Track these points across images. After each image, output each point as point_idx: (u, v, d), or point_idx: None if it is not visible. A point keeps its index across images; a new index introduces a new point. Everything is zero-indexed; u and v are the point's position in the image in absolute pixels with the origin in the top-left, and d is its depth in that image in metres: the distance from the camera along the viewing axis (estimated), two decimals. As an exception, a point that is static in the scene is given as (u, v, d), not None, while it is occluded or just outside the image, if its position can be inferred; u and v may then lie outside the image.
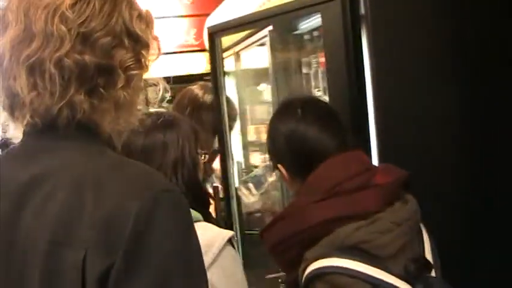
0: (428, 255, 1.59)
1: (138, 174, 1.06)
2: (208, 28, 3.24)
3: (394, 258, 1.48)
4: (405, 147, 2.10)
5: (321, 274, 1.45)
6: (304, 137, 1.64)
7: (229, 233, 1.69)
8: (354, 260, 1.44)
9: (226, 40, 3.54)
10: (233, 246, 1.69)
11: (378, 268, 1.45)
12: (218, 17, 4.53)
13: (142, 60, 1.14)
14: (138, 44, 1.13)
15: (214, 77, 3.02)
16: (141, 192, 1.00)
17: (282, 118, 1.74)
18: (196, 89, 2.74)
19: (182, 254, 1.01)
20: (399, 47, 2.12)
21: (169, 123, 1.80)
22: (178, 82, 5.31)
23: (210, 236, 1.62)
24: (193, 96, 2.68)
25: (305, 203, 1.57)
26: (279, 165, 1.72)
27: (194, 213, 1.51)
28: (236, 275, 1.67)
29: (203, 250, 1.26)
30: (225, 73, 3.19)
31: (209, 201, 1.94)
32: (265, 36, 3.01)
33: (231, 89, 4.02)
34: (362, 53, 2.12)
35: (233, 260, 1.66)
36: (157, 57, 1.20)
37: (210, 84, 2.99)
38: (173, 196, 1.04)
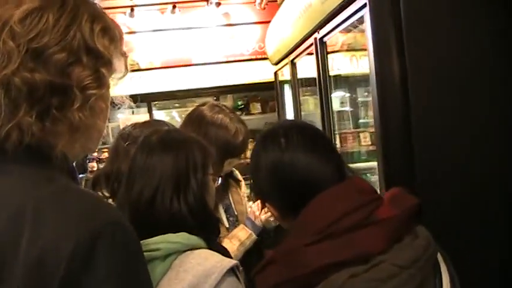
0: None
1: (81, 206, 0.99)
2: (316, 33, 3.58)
3: None
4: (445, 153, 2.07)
5: None
6: (291, 167, 1.41)
7: (230, 262, 1.60)
8: None
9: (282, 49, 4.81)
10: (237, 277, 1.61)
11: None
12: (275, 26, 5.35)
13: (104, 78, 1.09)
14: (98, 61, 1.08)
15: (324, 80, 3.50)
16: (80, 228, 0.93)
17: (264, 149, 1.49)
18: (204, 109, 2.59)
19: None
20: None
21: (175, 142, 1.76)
22: (249, 90, 7.89)
23: (208, 265, 1.56)
24: (201, 116, 2.55)
25: (296, 245, 1.32)
26: (267, 204, 1.52)
27: (195, 240, 1.60)
28: None
29: (200, 281, 1.47)
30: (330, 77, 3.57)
31: (217, 227, 1.84)
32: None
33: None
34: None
35: None
36: (125, 74, 1.19)
37: (220, 104, 2.89)
38: (118, 230, 0.97)
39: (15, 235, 0.94)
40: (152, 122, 2.69)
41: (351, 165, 3.94)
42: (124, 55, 1.19)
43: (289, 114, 5.49)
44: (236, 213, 2.67)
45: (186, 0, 7.44)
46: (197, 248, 1.63)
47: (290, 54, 4.79)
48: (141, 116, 7.19)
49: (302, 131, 1.52)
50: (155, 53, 7.83)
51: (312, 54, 3.81)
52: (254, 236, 2.48)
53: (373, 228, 1.32)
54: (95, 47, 1.07)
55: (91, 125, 1.09)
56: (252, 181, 1.58)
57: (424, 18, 2.18)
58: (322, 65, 3.57)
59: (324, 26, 3.43)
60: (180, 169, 1.69)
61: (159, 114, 7.65)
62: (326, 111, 3.55)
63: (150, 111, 7.34)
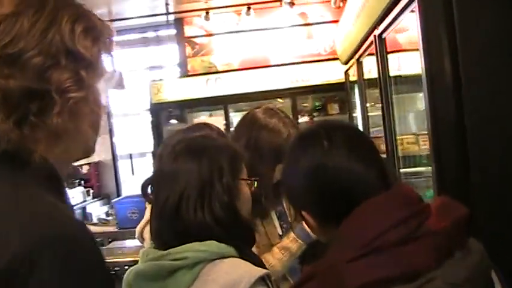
0: None
1: (34, 215, 0.95)
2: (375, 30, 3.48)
3: None
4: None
5: None
6: (334, 172, 1.30)
7: (260, 272, 1.56)
8: None
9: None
10: (268, 286, 1.57)
11: None
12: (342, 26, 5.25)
13: (84, 81, 1.06)
14: (78, 64, 1.05)
15: (384, 80, 3.40)
16: (23, 238, 0.90)
17: (303, 152, 1.38)
18: (257, 111, 2.54)
19: None
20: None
21: (200, 148, 1.72)
22: (327, 90, 7.87)
23: (236, 274, 1.53)
24: (253, 119, 2.50)
25: (337, 261, 1.21)
26: (303, 213, 1.39)
27: (224, 248, 1.57)
28: None
29: None
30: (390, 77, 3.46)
31: (251, 235, 1.78)
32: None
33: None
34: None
35: None
36: (112, 75, 1.17)
37: (275, 108, 2.80)
38: (68, 243, 0.92)
39: None
40: (197, 127, 2.68)
41: (411, 169, 3.89)
42: (111, 55, 1.18)
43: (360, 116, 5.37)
44: (290, 220, 2.59)
45: (260, 1, 7.45)
46: (227, 257, 1.59)
47: (356, 53, 4.68)
48: (218, 118, 7.25)
49: (346, 133, 1.40)
50: (233, 55, 7.89)
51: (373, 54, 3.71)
52: (304, 247, 2.40)
53: (423, 242, 1.20)
54: (75, 49, 1.05)
55: (72, 130, 1.07)
56: (286, 187, 1.48)
57: (477, 13, 2.04)
58: (382, 64, 3.44)
59: (381, 22, 3.30)
60: (204, 176, 1.64)
61: (236, 117, 7.67)
62: (386, 113, 3.41)
63: (226, 114, 7.37)
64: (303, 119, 7.27)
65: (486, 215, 1.78)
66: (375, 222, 1.23)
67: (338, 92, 6.89)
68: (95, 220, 6.62)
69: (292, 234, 2.40)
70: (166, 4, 7.28)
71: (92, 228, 6.11)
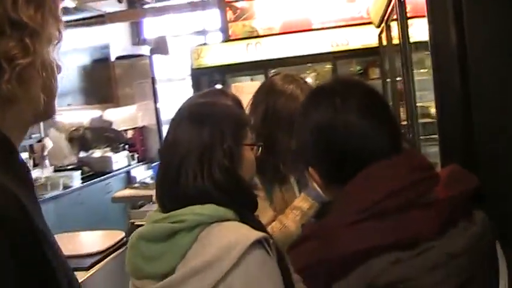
0: None
1: None
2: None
3: None
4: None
5: None
6: (344, 132, 1.26)
7: (257, 235, 1.55)
8: None
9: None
10: (266, 250, 1.56)
11: None
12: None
13: (29, 47, 1.10)
14: (23, 32, 1.09)
15: (404, 46, 3.37)
16: None
17: (314, 108, 1.34)
18: (276, 78, 2.56)
19: None
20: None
21: (203, 114, 1.72)
22: (368, 55, 7.74)
23: (233, 237, 1.53)
24: (271, 85, 2.52)
25: (336, 223, 1.21)
26: (310, 169, 1.38)
27: (223, 212, 1.58)
28: (261, 283, 1.53)
29: (223, 252, 1.47)
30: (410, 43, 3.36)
31: (253, 200, 1.76)
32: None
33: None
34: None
35: (259, 265, 1.52)
36: (59, 40, 1.20)
37: (295, 74, 2.77)
38: None
39: None
40: (212, 93, 2.70)
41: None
42: (58, 19, 1.19)
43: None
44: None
45: None
46: (226, 220, 1.61)
47: (384, 17, 4.57)
48: (259, 82, 7.24)
49: (361, 93, 1.37)
50: (274, 19, 7.85)
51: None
52: (317, 205, 2.40)
53: (427, 209, 1.19)
54: (18, 18, 1.08)
55: (22, 95, 1.11)
56: (295, 140, 1.46)
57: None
58: (402, 29, 3.34)
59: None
60: (204, 141, 1.67)
61: (277, 81, 7.67)
62: (406, 79, 3.35)
63: (267, 78, 7.34)
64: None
65: (492, 182, 1.68)
66: (378, 186, 1.21)
67: (378, 56, 6.82)
68: (137, 184, 6.77)
69: (303, 194, 2.42)
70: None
71: (133, 192, 6.29)
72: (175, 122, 1.76)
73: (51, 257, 1.04)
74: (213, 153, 1.65)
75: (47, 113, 1.23)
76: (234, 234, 1.56)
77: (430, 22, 1.98)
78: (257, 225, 1.68)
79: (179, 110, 1.82)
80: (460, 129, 1.84)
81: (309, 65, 7.45)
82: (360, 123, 1.27)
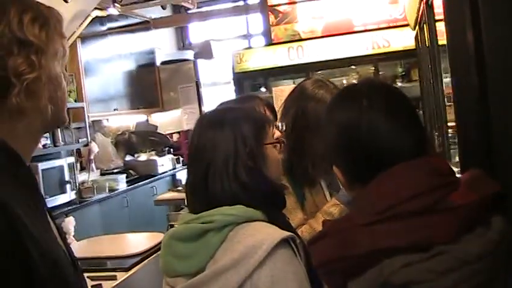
0: None
1: None
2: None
3: None
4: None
5: None
6: (368, 132, 1.29)
7: (283, 234, 1.61)
8: None
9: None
10: (293, 250, 1.63)
11: None
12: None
13: (37, 63, 1.23)
14: (30, 49, 1.23)
15: (431, 50, 3.40)
16: None
17: (340, 107, 1.39)
18: (307, 82, 2.65)
19: None
20: None
21: (223, 119, 1.79)
22: (411, 56, 7.63)
23: (260, 236, 1.60)
24: (302, 90, 2.60)
25: (353, 223, 1.24)
26: (334, 168, 1.42)
27: (251, 212, 1.66)
28: (287, 281, 1.58)
29: (250, 251, 1.55)
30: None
31: (280, 197, 1.85)
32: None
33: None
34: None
35: (285, 264, 1.57)
36: (64, 54, 1.34)
37: (325, 79, 2.79)
38: None
39: None
40: (246, 98, 2.77)
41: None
42: (62, 36, 1.34)
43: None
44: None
45: None
46: (254, 220, 1.68)
47: (418, 19, 4.51)
48: (300, 86, 7.28)
49: (388, 95, 1.40)
50: (316, 22, 7.87)
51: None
52: (347, 210, 2.43)
53: (443, 214, 1.20)
54: (24, 38, 1.23)
55: (30, 106, 1.25)
56: (321, 139, 1.52)
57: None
58: (430, 31, 3.32)
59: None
60: (227, 146, 1.73)
61: (319, 84, 7.70)
62: (434, 82, 3.33)
63: (309, 81, 7.39)
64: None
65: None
66: (397, 190, 1.23)
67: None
68: (180, 187, 6.91)
69: (334, 199, 2.46)
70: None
71: (175, 194, 6.42)
72: (196, 130, 1.84)
73: (39, 262, 1.14)
74: (237, 156, 1.72)
75: (55, 122, 1.37)
76: (261, 234, 1.62)
77: (447, 24, 2.01)
78: (285, 225, 1.75)
79: (198, 119, 1.89)
80: (479, 131, 1.87)
81: (352, 67, 7.43)
82: (384, 124, 1.30)
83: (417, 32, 5.23)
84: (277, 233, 1.63)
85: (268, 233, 1.63)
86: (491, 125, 1.84)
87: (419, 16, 4.14)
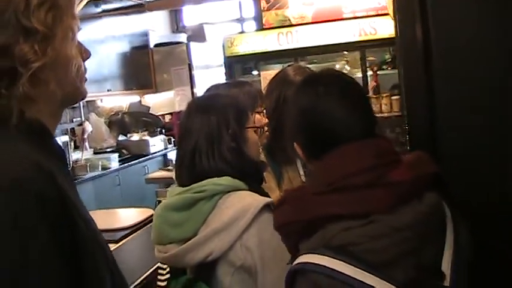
0: (446, 264, 1.42)
1: None
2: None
3: (392, 264, 1.34)
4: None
5: (302, 270, 1.39)
6: (321, 115, 1.51)
7: (265, 200, 1.86)
8: (338, 259, 1.33)
9: None
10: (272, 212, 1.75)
11: (368, 272, 1.31)
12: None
13: (43, 50, 1.21)
14: (35, 37, 1.20)
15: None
16: None
17: (302, 92, 1.61)
18: (289, 69, 2.84)
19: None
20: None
21: (209, 104, 2.04)
22: (393, 44, 7.75)
23: (246, 202, 1.84)
24: (284, 76, 2.79)
25: (306, 192, 1.49)
26: (295, 144, 1.63)
27: (237, 183, 1.91)
28: (271, 239, 1.76)
29: (239, 215, 1.81)
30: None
31: (259, 173, 2.11)
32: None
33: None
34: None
35: (269, 224, 1.67)
36: (74, 37, 1.31)
37: (305, 66, 3.18)
38: (14, 188, 1.08)
39: None
40: (237, 83, 2.95)
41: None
42: (73, 17, 1.31)
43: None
44: None
45: None
46: (239, 190, 1.92)
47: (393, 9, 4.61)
48: (289, 70, 7.49)
49: (342, 84, 1.61)
50: (306, 8, 8.09)
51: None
52: None
53: (381, 189, 1.40)
54: (30, 25, 1.20)
55: (39, 94, 1.24)
56: (286, 119, 1.75)
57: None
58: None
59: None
60: (212, 128, 1.96)
61: (307, 69, 7.92)
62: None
63: (297, 66, 7.61)
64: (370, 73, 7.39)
65: (453, 169, 1.88)
66: (345, 166, 1.45)
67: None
68: (170, 166, 7.15)
69: (306, 178, 2.64)
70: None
71: (165, 173, 6.67)
72: (186, 114, 2.07)
73: (83, 228, 1.20)
74: (220, 137, 1.96)
75: (70, 100, 1.39)
76: (247, 200, 1.87)
77: (396, 19, 2.18)
78: (264, 194, 2.01)
79: (188, 103, 2.12)
80: (424, 119, 2.03)
81: (341, 53, 7.68)
82: (336, 109, 1.51)
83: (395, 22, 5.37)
84: (261, 199, 1.88)
85: (253, 199, 1.87)
86: (436, 109, 2.00)
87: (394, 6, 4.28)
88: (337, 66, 7.53)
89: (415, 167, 1.48)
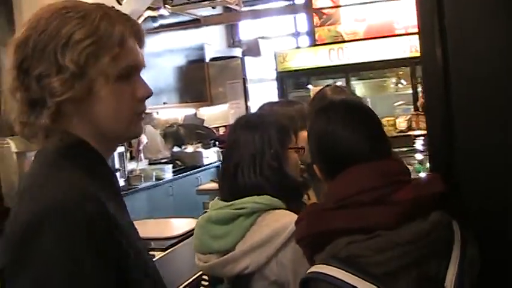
0: (450, 279, 1.51)
1: (43, 189, 1.22)
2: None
3: (395, 277, 1.45)
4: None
5: (314, 279, 1.50)
6: (333, 140, 1.65)
7: None
8: (345, 271, 1.45)
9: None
10: None
11: (372, 283, 1.42)
12: None
13: (74, 86, 1.27)
14: (66, 72, 1.26)
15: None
16: (31, 206, 1.18)
17: (315, 119, 1.75)
18: (327, 89, 2.94)
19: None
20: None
21: (256, 123, 2.12)
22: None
23: (284, 221, 1.91)
24: (322, 96, 2.88)
25: (318, 209, 1.64)
26: (315, 166, 1.77)
27: (276, 202, 1.97)
28: (304, 259, 1.73)
29: (276, 233, 1.89)
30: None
31: (298, 191, 2.17)
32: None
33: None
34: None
35: None
36: (108, 79, 1.31)
37: (343, 86, 3.46)
38: (61, 214, 1.15)
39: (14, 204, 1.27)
40: (290, 101, 3.09)
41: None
42: (114, 60, 1.32)
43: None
44: None
45: None
46: (277, 208, 1.99)
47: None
48: (339, 86, 7.64)
49: (349, 109, 1.74)
50: (358, 24, 8.24)
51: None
52: None
53: (384, 207, 1.51)
54: (62, 62, 1.26)
55: (61, 126, 1.33)
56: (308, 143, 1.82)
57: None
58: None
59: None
60: (255, 146, 2.04)
61: (358, 85, 8.12)
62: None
63: (348, 82, 7.81)
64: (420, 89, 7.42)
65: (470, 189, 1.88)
66: (350, 185, 1.57)
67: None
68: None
69: None
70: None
71: (216, 185, 6.73)
72: (232, 129, 2.18)
73: (132, 257, 1.26)
74: (262, 155, 2.03)
75: (112, 137, 1.42)
76: (284, 219, 1.92)
77: (420, 38, 2.14)
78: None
79: (237, 119, 2.23)
80: (444, 134, 1.98)
81: (394, 68, 7.79)
82: (344, 133, 1.64)
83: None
84: None
85: (290, 219, 1.86)
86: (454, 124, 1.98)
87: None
88: (388, 82, 7.64)
89: (422, 188, 1.59)
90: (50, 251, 1.13)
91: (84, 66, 1.27)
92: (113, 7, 1.39)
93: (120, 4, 5.80)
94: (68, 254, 1.14)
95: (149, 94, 1.41)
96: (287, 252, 1.89)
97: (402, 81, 7.95)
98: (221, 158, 8.57)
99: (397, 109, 7.78)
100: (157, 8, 7.30)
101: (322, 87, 3.14)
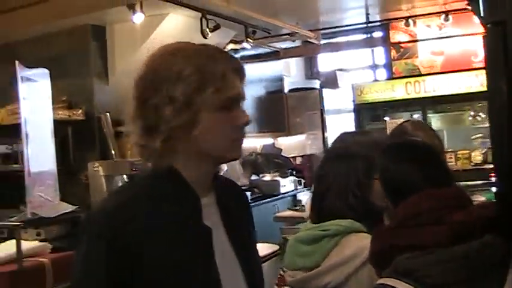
0: None
1: (101, 202, 1.61)
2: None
3: None
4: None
5: None
6: (392, 175, 1.88)
7: None
8: (406, 283, 1.61)
9: None
10: None
11: None
12: None
13: (182, 114, 1.47)
14: (177, 103, 1.47)
15: None
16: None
17: (381, 157, 1.96)
18: (408, 124, 3.01)
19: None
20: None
21: (344, 154, 2.27)
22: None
23: (364, 243, 1.94)
24: (403, 130, 2.93)
25: (385, 229, 1.82)
26: (385, 195, 1.93)
27: (358, 225, 2.09)
28: None
29: (357, 253, 2.01)
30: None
31: (379, 218, 2.15)
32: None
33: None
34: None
35: None
36: (213, 107, 1.50)
37: (422, 121, 3.47)
38: (85, 222, 1.54)
39: None
40: (366, 132, 3.25)
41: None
42: (218, 91, 1.51)
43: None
44: None
45: (457, 8, 7.71)
46: (359, 232, 2.10)
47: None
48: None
49: (407, 148, 1.99)
50: (436, 57, 8.43)
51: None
52: None
53: (439, 227, 1.67)
54: (175, 96, 1.47)
55: (170, 149, 1.53)
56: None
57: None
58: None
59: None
60: (342, 176, 2.18)
61: (434, 117, 8.26)
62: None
63: (424, 115, 8.00)
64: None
65: None
66: (411, 208, 1.75)
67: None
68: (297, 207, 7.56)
69: None
70: (367, 14, 8.04)
71: (292, 213, 7.09)
72: (324, 159, 2.34)
73: (149, 272, 1.46)
74: (348, 185, 2.16)
75: (216, 157, 1.62)
76: (364, 242, 1.96)
77: (487, 73, 2.12)
78: None
79: (327, 150, 2.43)
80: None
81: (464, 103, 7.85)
82: (403, 169, 1.86)
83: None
84: None
85: (368, 242, 1.92)
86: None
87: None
88: (465, 115, 7.75)
89: (475, 211, 1.73)
90: (79, 244, 1.48)
91: (191, 97, 1.47)
92: (217, 47, 1.61)
93: (206, 38, 6.16)
94: (82, 266, 1.48)
95: (247, 122, 1.59)
96: (364, 271, 2.00)
97: (480, 114, 7.97)
98: (297, 187, 9.14)
99: (474, 142, 7.84)
100: (240, 41, 7.59)
101: (400, 121, 3.24)
